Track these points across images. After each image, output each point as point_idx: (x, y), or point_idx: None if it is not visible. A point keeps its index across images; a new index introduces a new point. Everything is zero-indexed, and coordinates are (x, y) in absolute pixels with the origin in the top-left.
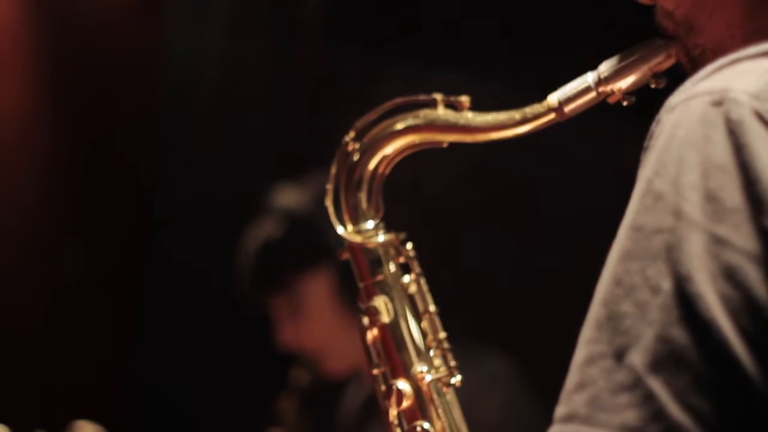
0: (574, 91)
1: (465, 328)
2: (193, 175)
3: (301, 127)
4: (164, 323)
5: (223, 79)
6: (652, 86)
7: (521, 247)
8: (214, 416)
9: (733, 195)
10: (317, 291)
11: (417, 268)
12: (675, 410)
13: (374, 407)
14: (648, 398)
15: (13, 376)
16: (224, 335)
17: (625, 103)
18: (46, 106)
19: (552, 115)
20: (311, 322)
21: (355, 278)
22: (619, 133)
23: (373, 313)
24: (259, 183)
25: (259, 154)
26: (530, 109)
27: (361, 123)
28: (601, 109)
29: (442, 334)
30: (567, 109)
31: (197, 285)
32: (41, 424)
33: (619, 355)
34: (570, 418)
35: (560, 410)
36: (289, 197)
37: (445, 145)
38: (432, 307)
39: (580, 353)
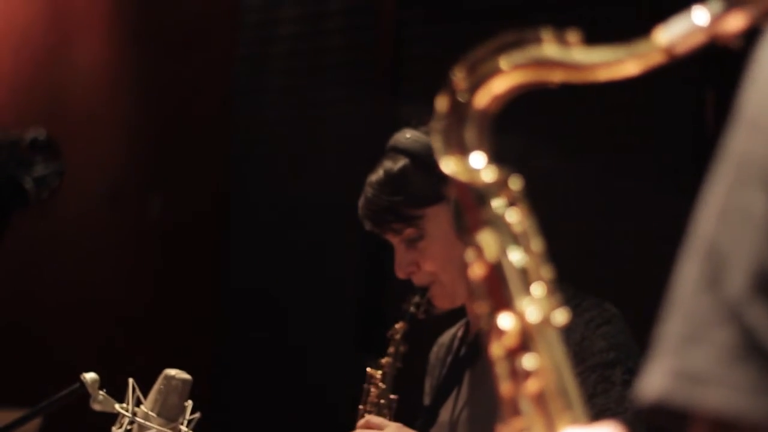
0: (683, 31)
1: (565, 276)
2: (269, 130)
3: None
4: (250, 265)
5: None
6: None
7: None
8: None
9: None
10: (439, 224)
11: (524, 207)
12: None
13: (481, 343)
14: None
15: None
16: (314, 272)
17: (734, 47)
18: (129, 66)
19: (660, 56)
20: (432, 254)
21: (462, 215)
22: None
23: (479, 249)
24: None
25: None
26: (637, 48)
27: (468, 60)
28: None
29: (548, 274)
30: (676, 50)
31: (281, 231)
32: (130, 371)
33: (719, 285)
34: (691, 377)
35: (672, 363)
36: (410, 135)
37: (554, 84)
38: (538, 247)
39: (682, 290)
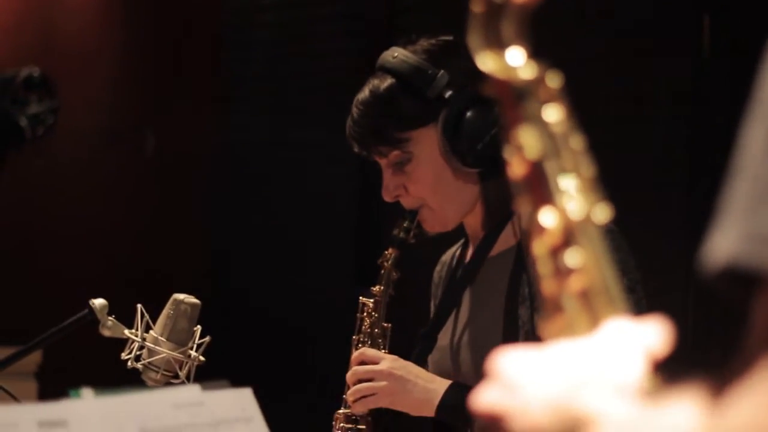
0: None
1: None
2: (260, 67)
3: None
4: (244, 200)
5: None
6: None
7: None
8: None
9: None
10: (427, 147)
11: (564, 106)
12: None
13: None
14: None
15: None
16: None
17: None
18: (121, 2)
19: None
20: (419, 177)
21: (500, 114)
22: None
23: (518, 147)
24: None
25: None
26: None
27: None
28: None
29: (589, 172)
30: None
31: (276, 166)
32: (127, 304)
33: None
34: (764, 239)
35: (743, 225)
36: (397, 54)
37: None
38: (579, 146)
39: (749, 154)
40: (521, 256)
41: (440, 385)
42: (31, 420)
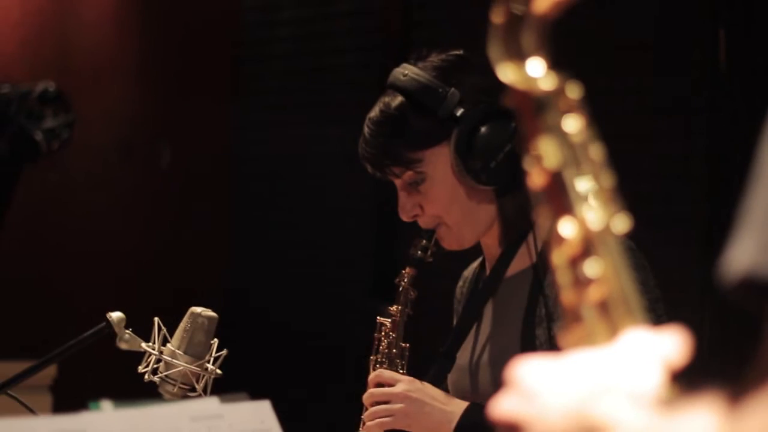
0: None
1: None
2: (278, 79)
3: None
4: (260, 214)
5: None
6: None
7: None
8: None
9: None
10: (439, 166)
11: (583, 117)
12: None
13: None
14: None
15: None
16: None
17: None
18: (137, 16)
19: None
20: (433, 197)
21: (520, 126)
22: None
23: (538, 158)
24: None
25: None
26: None
27: None
28: None
29: (608, 182)
30: None
31: (292, 179)
32: (143, 319)
33: None
34: None
35: (760, 237)
36: (407, 72)
37: None
38: (598, 156)
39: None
40: (538, 276)
41: (457, 406)
42: (51, 431)
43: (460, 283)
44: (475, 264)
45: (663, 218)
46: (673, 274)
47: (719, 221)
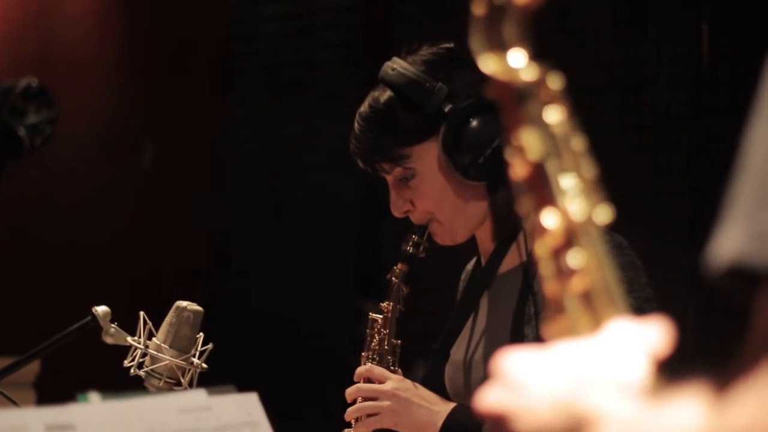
0: None
1: None
2: (264, 74)
3: None
4: (246, 210)
5: None
6: None
7: None
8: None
9: None
10: (429, 162)
11: (564, 108)
12: None
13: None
14: None
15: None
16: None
17: None
18: (119, 12)
19: None
20: (424, 192)
21: (502, 116)
22: None
23: (520, 149)
24: None
25: None
26: None
27: None
28: None
29: (590, 173)
30: None
31: (277, 175)
32: (128, 313)
33: None
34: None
35: (747, 225)
36: (396, 66)
37: None
38: (580, 147)
39: (754, 154)
40: (527, 275)
41: (444, 407)
42: (39, 423)
43: (463, 275)
44: (474, 261)
45: (646, 207)
46: (657, 267)
47: (701, 215)
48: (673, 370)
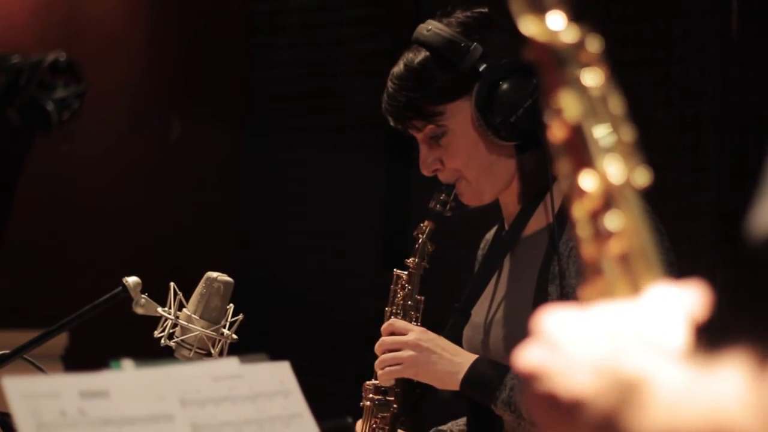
0: None
1: None
2: (288, 52)
3: None
4: (271, 184)
5: None
6: None
7: None
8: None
9: None
10: (461, 120)
11: (603, 70)
12: None
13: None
14: None
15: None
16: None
17: None
18: None
19: None
20: (454, 151)
21: (541, 78)
22: None
23: (558, 111)
24: None
25: None
26: None
27: None
28: None
29: (628, 136)
30: None
31: (303, 150)
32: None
33: None
34: None
35: None
36: (431, 27)
37: None
38: (618, 109)
39: None
40: (553, 237)
41: (466, 359)
42: (74, 390)
43: (482, 244)
44: (495, 228)
45: (674, 181)
46: (684, 238)
47: (730, 191)
48: (708, 337)
